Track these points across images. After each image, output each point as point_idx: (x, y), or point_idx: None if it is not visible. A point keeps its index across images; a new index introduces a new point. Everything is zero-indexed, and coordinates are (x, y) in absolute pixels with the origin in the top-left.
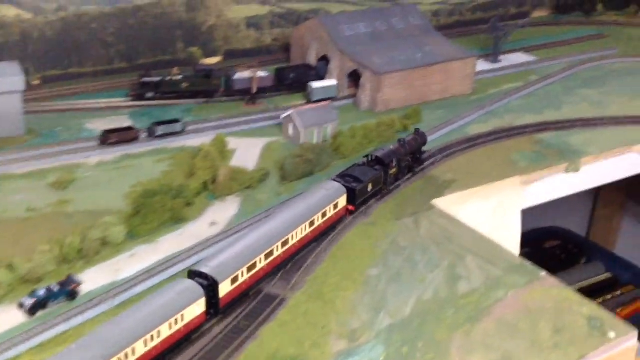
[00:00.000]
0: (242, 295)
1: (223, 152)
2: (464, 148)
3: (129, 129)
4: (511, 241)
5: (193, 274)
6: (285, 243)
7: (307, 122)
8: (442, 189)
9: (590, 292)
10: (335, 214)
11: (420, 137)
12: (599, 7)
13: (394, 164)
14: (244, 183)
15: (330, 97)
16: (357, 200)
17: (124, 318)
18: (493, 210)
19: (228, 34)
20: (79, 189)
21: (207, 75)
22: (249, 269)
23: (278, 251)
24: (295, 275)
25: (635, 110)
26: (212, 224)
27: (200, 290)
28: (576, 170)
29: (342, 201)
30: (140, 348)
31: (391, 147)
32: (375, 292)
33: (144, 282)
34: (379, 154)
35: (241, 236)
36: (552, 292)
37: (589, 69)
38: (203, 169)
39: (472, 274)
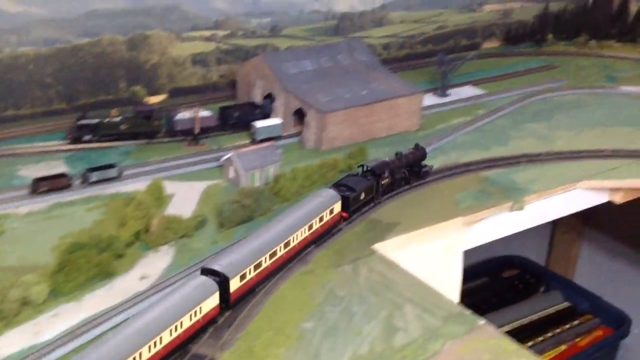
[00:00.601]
0: (249, 292)
1: (159, 198)
2: (408, 188)
3: (61, 175)
4: (452, 286)
5: (206, 271)
6: (287, 244)
7: (248, 164)
8: (384, 232)
9: (549, 322)
10: (331, 219)
11: (419, 152)
12: (550, 37)
13: (386, 174)
14: (178, 232)
15: (275, 136)
16: (351, 207)
17: (151, 311)
18: (434, 253)
19: (173, 71)
20: (4, 242)
21: (147, 116)
22: (255, 268)
23: (281, 251)
24: (225, 332)
25: (580, 144)
26: (143, 277)
27: (215, 285)
28: (520, 208)
29: (337, 207)
30: (167, 337)
31: (386, 159)
32: (309, 348)
33: (65, 344)
34: (372, 165)
35: (247, 239)
36: (489, 342)
37: (538, 101)
38: (135, 219)
39: (409, 324)
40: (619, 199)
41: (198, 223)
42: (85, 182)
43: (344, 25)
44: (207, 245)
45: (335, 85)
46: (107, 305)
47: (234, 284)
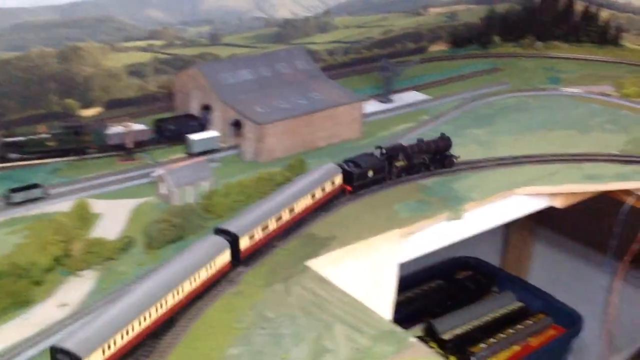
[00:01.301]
0: (257, 251)
1: (85, 218)
2: (346, 200)
3: None
4: (385, 301)
5: (218, 231)
6: (291, 210)
7: (179, 180)
8: (319, 247)
9: (502, 323)
10: (332, 190)
11: (443, 141)
12: (496, 39)
13: (401, 157)
14: (102, 255)
15: (212, 149)
16: (355, 182)
17: (173, 264)
18: (369, 268)
19: (107, 83)
20: None
21: (76, 131)
22: (263, 229)
23: (286, 216)
24: None
25: (520, 149)
26: (62, 304)
27: (226, 243)
28: (459, 217)
29: (338, 180)
30: (187, 287)
31: (405, 144)
32: None
33: None
34: (387, 146)
35: (257, 203)
36: None
37: (481, 106)
38: (54, 243)
39: (339, 345)
40: (559, 203)
41: (124, 245)
42: (8, 203)
43: (287, 31)
44: (132, 268)
45: (274, 96)
46: (24, 335)
47: (244, 243)
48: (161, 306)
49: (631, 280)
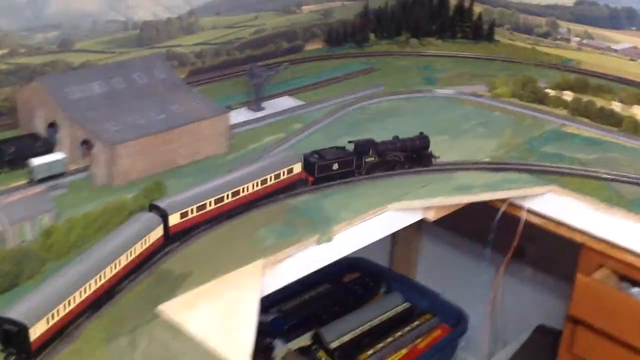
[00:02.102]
0: (191, 229)
1: None
2: (204, 228)
3: None
4: (244, 346)
5: (152, 207)
6: (235, 194)
7: (14, 215)
8: (174, 287)
9: (391, 325)
10: (289, 177)
11: (420, 140)
12: (372, 36)
13: (372, 153)
14: None
15: (58, 174)
16: (317, 174)
17: (110, 240)
18: (227, 308)
19: None
20: None
21: None
22: (199, 209)
23: (228, 199)
24: None
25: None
26: None
27: (159, 219)
28: (329, 240)
29: (297, 168)
30: (124, 261)
31: (378, 140)
32: None
33: None
34: (357, 141)
35: (197, 183)
36: None
37: (354, 111)
38: None
39: None
40: (431, 216)
41: None
42: None
43: (149, 34)
44: None
45: (128, 111)
46: None
47: (173, 220)
48: (100, 279)
49: (513, 274)
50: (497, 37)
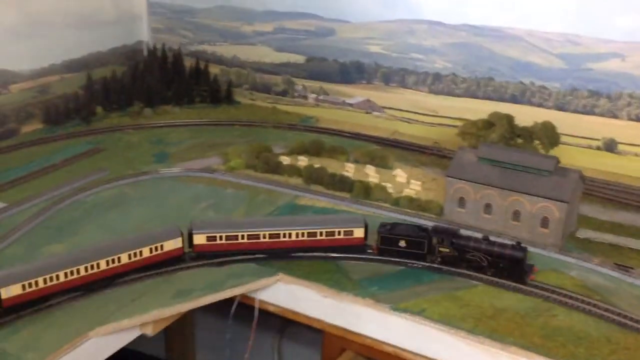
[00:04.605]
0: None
1: None
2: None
3: None
4: None
5: None
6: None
7: None
8: None
9: None
10: (348, 239)
11: (511, 250)
12: (99, 109)
13: (445, 243)
14: None
15: None
16: (381, 244)
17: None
18: None
19: None
20: None
21: None
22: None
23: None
24: None
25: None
26: None
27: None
28: None
29: (359, 232)
30: (125, 259)
31: (470, 235)
32: None
33: None
34: (438, 226)
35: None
36: None
37: (67, 207)
38: None
39: None
40: (150, 331)
41: None
42: None
43: None
44: None
45: None
46: None
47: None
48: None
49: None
50: (237, 98)
